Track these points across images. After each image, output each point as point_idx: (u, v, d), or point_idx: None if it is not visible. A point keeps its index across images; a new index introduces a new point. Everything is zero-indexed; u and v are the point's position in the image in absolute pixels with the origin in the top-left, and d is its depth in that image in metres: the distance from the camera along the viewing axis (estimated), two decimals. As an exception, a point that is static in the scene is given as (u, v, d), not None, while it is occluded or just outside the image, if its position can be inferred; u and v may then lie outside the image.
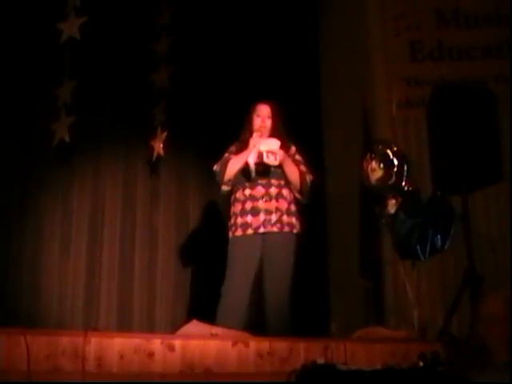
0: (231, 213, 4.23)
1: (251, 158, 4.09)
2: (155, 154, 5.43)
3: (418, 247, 4.29)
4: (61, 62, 5.24)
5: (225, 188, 4.25)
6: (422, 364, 3.12)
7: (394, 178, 4.48)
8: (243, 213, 4.14)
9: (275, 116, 4.29)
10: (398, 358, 3.36)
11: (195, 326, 3.62)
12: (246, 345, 3.20)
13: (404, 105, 5.32)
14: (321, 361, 3.10)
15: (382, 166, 4.59)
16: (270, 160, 4.10)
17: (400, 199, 4.49)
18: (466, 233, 4.16)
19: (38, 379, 2.79)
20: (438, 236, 4.29)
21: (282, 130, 4.28)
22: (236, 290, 4.06)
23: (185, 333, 3.52)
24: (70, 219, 5.34)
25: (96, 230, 5.37)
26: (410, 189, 4.47)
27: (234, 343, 3.18)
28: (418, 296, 4.58)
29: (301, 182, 4.23)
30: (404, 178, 4.48)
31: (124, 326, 5.17)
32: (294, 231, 4.18)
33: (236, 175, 4.18)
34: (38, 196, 5.27)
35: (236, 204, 4.20)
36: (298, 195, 4.26)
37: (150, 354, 3.04)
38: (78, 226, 5.34)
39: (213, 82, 5.57)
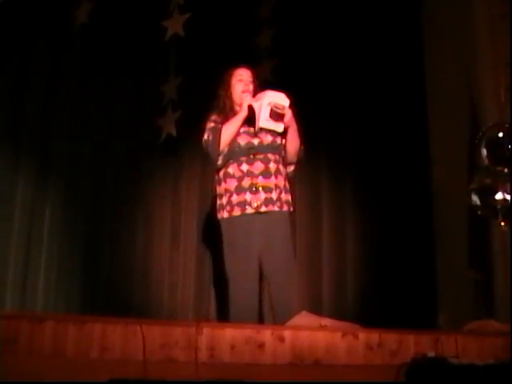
0: (221, 190, 3.91)
1: (257, 107, 3.77)
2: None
3: None
4: (166, 58, 5.38)
5: (220, 162, 3.90)
6: (537, 359, 3.04)
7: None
8: (240, 190, 3.81)
9: (256, 81, 4.03)
10: (510, 353, 3.28)
11: (305, 317, 3.64)
12: (356, 336, 3.18)
13: (512, 91, 5.14)
14: (431, 354, 3.07)
15: (486, 152, 4.45)
16: (280, 108, 3.75)
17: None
18: None
19: (153, 369, 2.86)
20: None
21: None
22: (243, 277, 3.80)
23: (294, 324, 3.55)
24: (180, 211, 5.48)
25: (204, 220, 5.46)
26: None
27: (344, 335, 3.17)
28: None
29: (298, 152, 3.99)
30: None
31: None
32: (291, 209, 3.96)
33: (229, 145, 3.88)
34: (149, 189, 5.44)
35: (229, 180, 3.87)
36: (290, 168, 4.02)
37: (261, 345, 3.06)
38: (187, 218, 5.47)
39: (315, 74, 5.56)
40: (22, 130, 5.17)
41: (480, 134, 4.61)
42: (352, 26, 5.68)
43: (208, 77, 5.41)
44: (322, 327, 3.46)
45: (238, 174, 3.86)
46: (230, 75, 4.04)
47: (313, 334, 3.18)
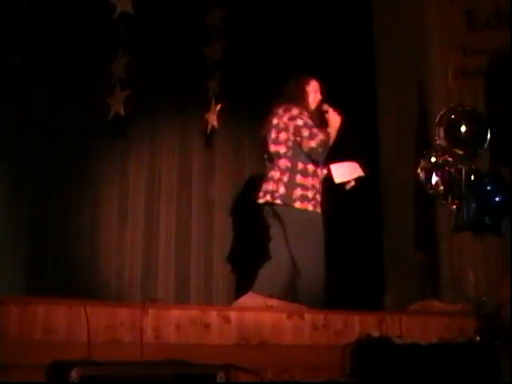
0: (308, 183, 4.09)
1: (344, 169, 4.29)
2: (209, 127, 5.47)
3: (490, 222, 4.16)
4: (115, 36, 5.29)
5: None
6: (478, 339, 3.11)
7: (464, 151, 4.30)
8: (318, 191, 4.14)
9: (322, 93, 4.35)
10: (453, 332, 3.35)
11: (251, 298, 3.66)
12: (301, 317, 3.22)
13: (460, 75, 5.20)
14: (376, 334, 3.11)
15: (444, 136, 4.48)
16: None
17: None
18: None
19: (98, 350, 2.84)
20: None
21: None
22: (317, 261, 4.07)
23: (240, 305, 3.56)
24: (127, 192, 5.42)
25: (152, 202, 5.44)
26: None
27: (289, 315, 3.21)
28: (474, 270, 4.52)
29: None
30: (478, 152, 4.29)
31: (181, 297, 5.26)
32: None
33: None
34: (96, 169, 5.34)
35: (316, 179, 4.15)
36: None
37: (206, 326, 3.08)
38: (135, 199, 5.42)
39: (265, 54, 5.54)
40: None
41: (439, 114, 4.62)
42: (302, 10, 5.67)
43: (157, 55, 5.43)
44: (268, 308, 3.48)
45: (321, 176, 4.20)
46: (307, 83, 4.29)
47: (259, 314, 3.21)
